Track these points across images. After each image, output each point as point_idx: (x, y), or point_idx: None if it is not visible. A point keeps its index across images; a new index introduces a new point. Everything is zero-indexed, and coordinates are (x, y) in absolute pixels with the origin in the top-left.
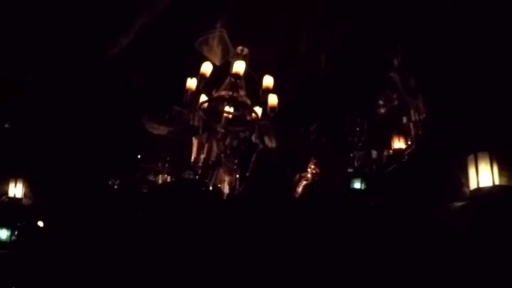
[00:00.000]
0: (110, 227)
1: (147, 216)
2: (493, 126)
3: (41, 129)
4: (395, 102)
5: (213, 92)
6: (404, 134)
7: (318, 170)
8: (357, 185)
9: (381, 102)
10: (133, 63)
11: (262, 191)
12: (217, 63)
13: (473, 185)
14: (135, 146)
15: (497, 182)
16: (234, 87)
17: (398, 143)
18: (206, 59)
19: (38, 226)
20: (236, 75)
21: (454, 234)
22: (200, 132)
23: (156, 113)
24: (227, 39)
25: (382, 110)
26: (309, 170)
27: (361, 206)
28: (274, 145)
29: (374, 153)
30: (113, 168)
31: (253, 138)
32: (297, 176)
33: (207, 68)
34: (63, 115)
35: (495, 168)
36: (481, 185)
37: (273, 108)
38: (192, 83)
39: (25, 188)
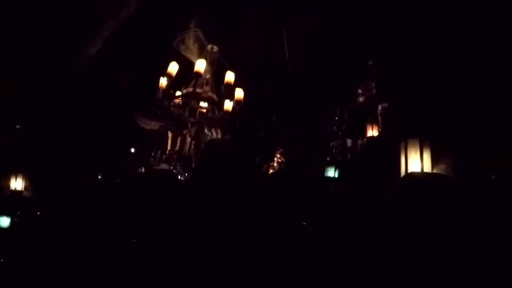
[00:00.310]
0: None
1: (122, 205)
2: (426, 113)
3: (40, 129)
4: (374, 91)
5: (183, 89)
6: (377, 122)
7: (283, 159)
8: (331, 173)
9: (360, 91)
10: (117, 65)
11: (208, 179)
12: (195, 61)
13: (402, 172)
14: (129, 141)
15: (426, 169)
16: (197, 84)
17: (371, 132)
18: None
19: (36, 215)
20: (197, 73)
21: (379, 222)
22: (189, 126)
23: (148, 109)
24: (203, 37)
25: (361, 99)
26: (275, 159)
27: (325, 194)
28: (219, 136)
29: (349, 142)
30: (105, 162)
31: (205, 130)
32: (265, 166)
33: (173, 67)
34: (59, 115)
35: (425, 155)
36: (409, 172)
37: (238, 101)
38: (164, 81)
39: (25, 182)
